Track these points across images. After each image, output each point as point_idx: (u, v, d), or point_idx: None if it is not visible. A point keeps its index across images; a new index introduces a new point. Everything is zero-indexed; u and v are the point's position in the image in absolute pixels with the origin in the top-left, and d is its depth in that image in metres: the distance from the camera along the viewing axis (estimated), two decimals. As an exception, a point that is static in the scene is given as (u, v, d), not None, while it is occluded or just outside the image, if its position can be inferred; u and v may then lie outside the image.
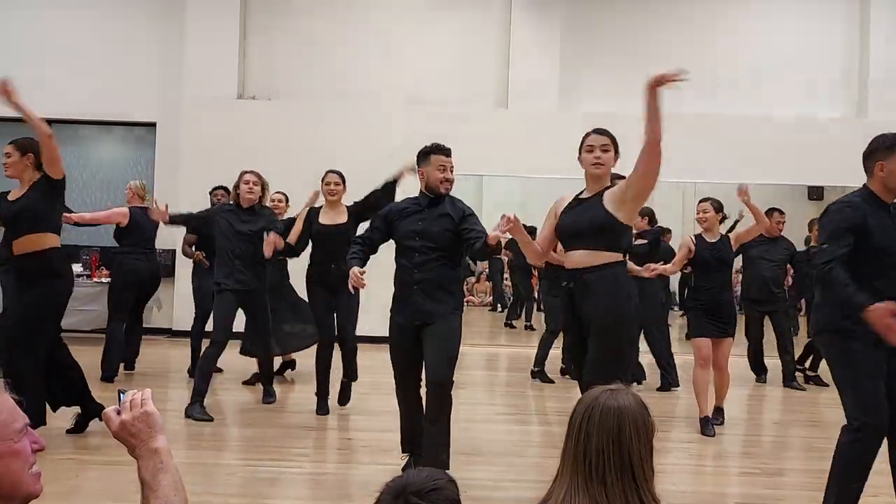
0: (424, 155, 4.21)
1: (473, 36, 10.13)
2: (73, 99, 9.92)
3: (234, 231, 5.67)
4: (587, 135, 3.83)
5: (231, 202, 5.94)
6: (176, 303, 9.65)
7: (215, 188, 7.52)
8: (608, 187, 3.72)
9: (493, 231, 3.83)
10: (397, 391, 4.21)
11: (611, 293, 3.55)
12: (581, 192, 3.81)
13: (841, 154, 9.64)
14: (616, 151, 3.86)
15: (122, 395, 1.66)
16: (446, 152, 4.20)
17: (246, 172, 5.85)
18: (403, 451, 4.29)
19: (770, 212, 7.48)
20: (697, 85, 9.93)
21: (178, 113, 9.86)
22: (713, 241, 5.74)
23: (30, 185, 4.68)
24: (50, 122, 10.49)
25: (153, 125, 10.12)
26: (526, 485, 4.17)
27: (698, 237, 5.81)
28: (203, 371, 5.55)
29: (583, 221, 3.63)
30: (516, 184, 11.20)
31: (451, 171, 4.20)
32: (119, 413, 1.62)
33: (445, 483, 1.61)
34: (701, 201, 5.98)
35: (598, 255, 3.57)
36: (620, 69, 10.14)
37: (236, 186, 5.83)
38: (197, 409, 5.43)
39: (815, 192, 12.01)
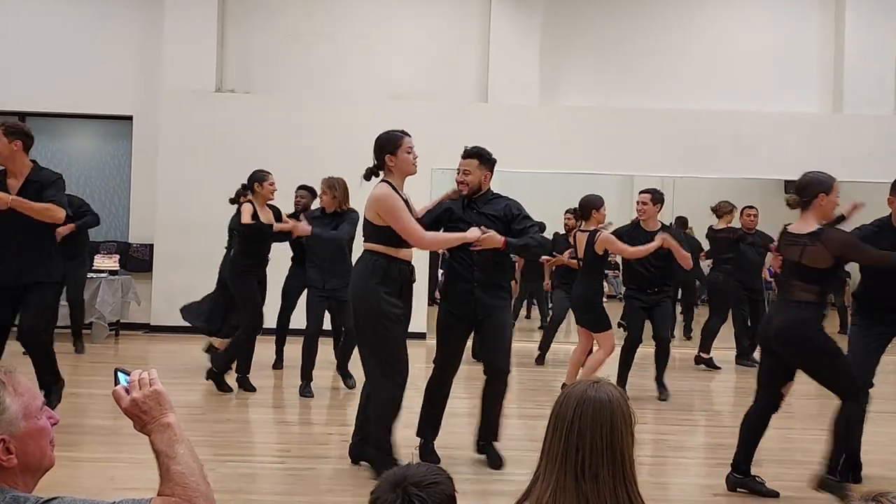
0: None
1: (453, 30, 10.11)
2: (48, 92, 9.78)
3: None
4: (406, 136, 4.16)
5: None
6: (154, 298, 9.56)
7: (299, 187, 7.14)
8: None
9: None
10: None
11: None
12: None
13: (817, 149, 9.79)
14: None
15: (119, 373, 1.73)
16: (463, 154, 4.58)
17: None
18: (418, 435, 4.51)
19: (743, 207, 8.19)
20: (675, 80, 10.07)
21: (155, 106, 9.75)
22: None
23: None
24: (24, 115, 10.45)
25: (129, 118, 10.00)
26: (508, 477, 4.20)
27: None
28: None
29: None
30: (496, 177, 11.20)
31: (463, 174, 4.52)
32: (128, 392, 1.70)
33: (444, 479, 1.64)
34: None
35: None
36: (600, 64, 10.19)
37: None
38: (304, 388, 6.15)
39: (792, 186, 12.15)
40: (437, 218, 4.49)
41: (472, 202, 4.48)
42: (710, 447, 5.17)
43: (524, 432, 5.29)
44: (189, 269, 9.49)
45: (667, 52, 10.13)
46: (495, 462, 4.40)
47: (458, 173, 4.48)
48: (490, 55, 9.95)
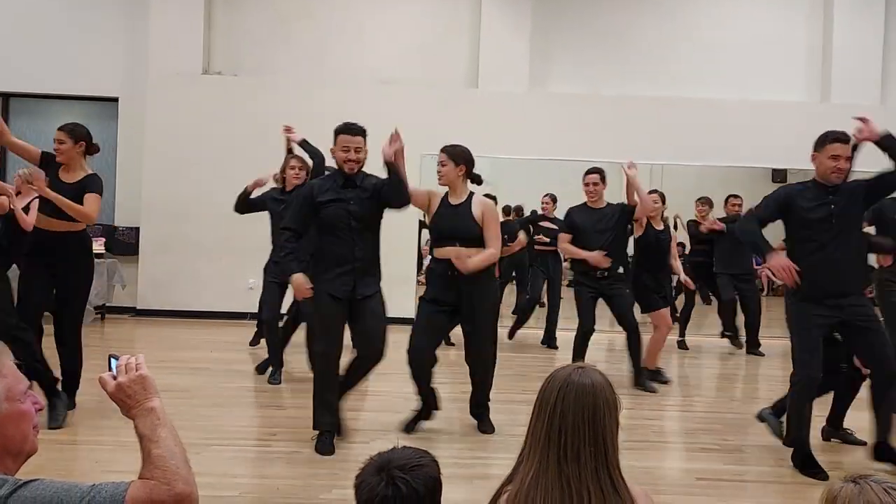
0: (334, 134, 4.52)
1: (444, 16, 10.07)
2: (33, 72, 9.68)
3: None
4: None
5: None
6: (140, 281, 9.52)
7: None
8: (472, 195, 4.75)
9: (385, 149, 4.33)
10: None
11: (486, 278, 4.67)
12: (447, 194, 4.77)
13: (804, 137, 9.69)
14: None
15: (112, 359, 1.74)
16: (352, 132, 4.46)
17: (292, 157, 6.23)
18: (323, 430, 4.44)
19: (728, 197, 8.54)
20: (664, 68, 10.08)
21: (142, 87, 9.66)
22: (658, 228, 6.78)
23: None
24: (9, 95, 10.30)
25: (115, 100, 9.91)
26: (491, 461, 4.23)
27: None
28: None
29: (459, 229, 4.62)
30: (485, 163, 11.15)
31: (356, 152, 4.46)
32: (115, 377, 1.70)
33: (429, 461, 1.65)
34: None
35: (470, 250, 4.56)
36: (590, 51, 10.18)
37: (283, 171, 6.20)
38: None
39: (779, 175, 12.21)
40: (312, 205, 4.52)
41: (350, 180, 4.48)
42: (692, 432, 5.22)
43: (513, 417, 5.32)
44: (176, 252, 9.47)
45: (656, 40, 10.13)
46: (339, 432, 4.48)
47: (350, 151, 4.46)
48: (480, 42, 9.93)
